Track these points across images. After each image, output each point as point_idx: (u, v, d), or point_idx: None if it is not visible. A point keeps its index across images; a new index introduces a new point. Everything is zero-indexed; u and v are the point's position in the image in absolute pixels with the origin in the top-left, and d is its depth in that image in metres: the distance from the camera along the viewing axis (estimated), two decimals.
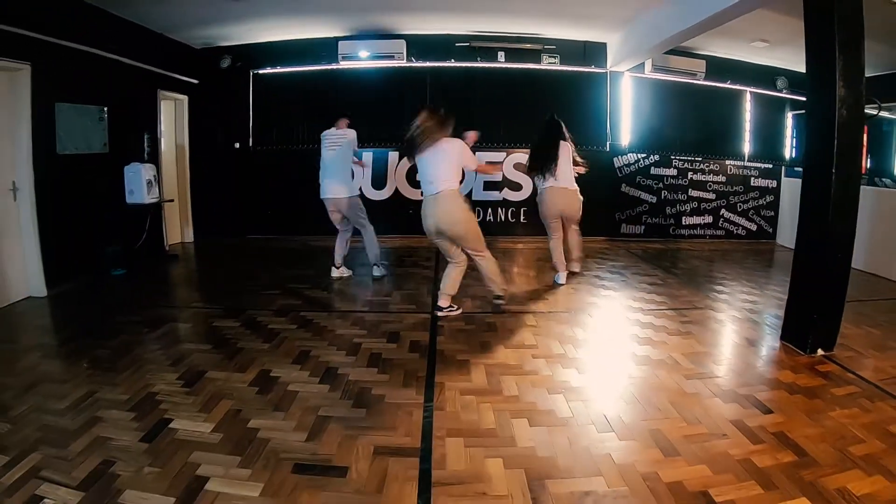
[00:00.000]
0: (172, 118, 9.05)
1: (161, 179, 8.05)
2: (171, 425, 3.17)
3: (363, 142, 7.16)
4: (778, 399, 3.57)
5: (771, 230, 10.34)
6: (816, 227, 4.31)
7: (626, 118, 9.75)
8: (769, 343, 4.70)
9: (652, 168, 9.88)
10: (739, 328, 5.13)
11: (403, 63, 9.01)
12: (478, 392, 3.63)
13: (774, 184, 10.25)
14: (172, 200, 8.55)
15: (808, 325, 4.39)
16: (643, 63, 9.21)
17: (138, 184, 7.24)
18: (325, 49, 9.06)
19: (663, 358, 4.26)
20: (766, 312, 5.55)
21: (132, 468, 2.73)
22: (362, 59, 8.97)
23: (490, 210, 9.67)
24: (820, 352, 4.36)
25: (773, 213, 10.31)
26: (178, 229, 9.29)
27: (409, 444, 3.00)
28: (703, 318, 5.34)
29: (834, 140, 4.05)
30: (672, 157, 9.92)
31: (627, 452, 2.90)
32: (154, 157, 8.00)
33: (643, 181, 9.88)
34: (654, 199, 9.98)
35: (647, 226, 10.04)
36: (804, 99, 5.15)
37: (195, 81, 9.15)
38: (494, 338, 4.72)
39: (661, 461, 2.81)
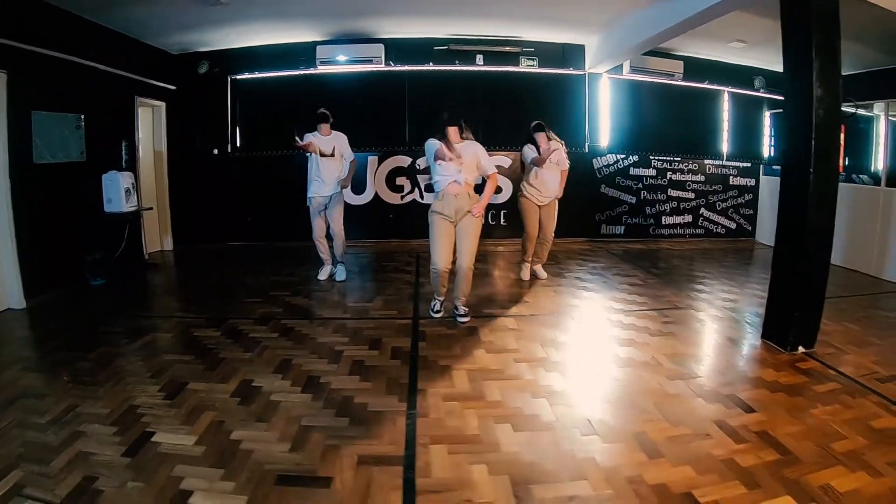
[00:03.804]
0: (150, 125, 8.89)
1: (139, 187, 7.94)
2: (154, 438, 3.12)
3: None
4: (760, 398, 3.61)
5: (750, 228, 10.44)
6: (795, 227, 4.35)
7: (605, 119, 9.75)
8: (750, 341, 4.75)
9: (631, 168, 9.93)
10: (721, 327, 5.17)
11: (382, 67, 8.95)
12: (461, 398, 3.62)
13: (753, 182, 10.36)
14: (151, 208, 8.42)
15: (789, 322, 4.43)
16: (621, 64, 9.23)
17: (116, 192, 7.12)
18: (304, 54, 8.97)
19: (646, 359, 4.28)
20: (746, 311, 5.61)
21: (115, 483, 2.68)
22: (341, 63, 8.91)
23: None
24: (801, 349, 4.41)
25: (752, 212, 10.42)
26: (157, 237, 9.15)
27: (393, 452, 2.97)
28: (684, 318, 5.37)
29: (811, 141, 4.11)
30: (651, 158, 9.97)
31: (612, 455, 2.91)
32: (132, 165, 7.89)
33: (622, 182, 9.92)
34: (634, 200, 10.03)
35: (627, 226, 10.08)
36: (782, 98, 5.17)
37: (173, 88, 9.02)
38: (476, 342, 4.71)
39: (646, 463, 2.82)
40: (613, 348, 4.55)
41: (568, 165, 6.65)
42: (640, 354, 4.39)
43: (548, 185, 6.52)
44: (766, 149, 10.34)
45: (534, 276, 6.97)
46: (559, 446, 3.00)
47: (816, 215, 4.22)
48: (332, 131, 6.56)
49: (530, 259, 6.90)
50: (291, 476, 2.76)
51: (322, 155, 6.35)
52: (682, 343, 4.66)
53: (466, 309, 5.31)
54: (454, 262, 5.20)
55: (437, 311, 5.44)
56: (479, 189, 5.17)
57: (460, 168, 5.03)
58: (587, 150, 9.71)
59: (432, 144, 5.02)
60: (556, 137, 6.52)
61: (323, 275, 6.95)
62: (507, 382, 3.85)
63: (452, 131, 5.02)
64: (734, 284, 6.72)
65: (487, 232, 9.58)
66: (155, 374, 4.06)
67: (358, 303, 6.05)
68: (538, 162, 6.14)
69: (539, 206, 6.62)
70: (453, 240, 5.18)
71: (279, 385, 3.86)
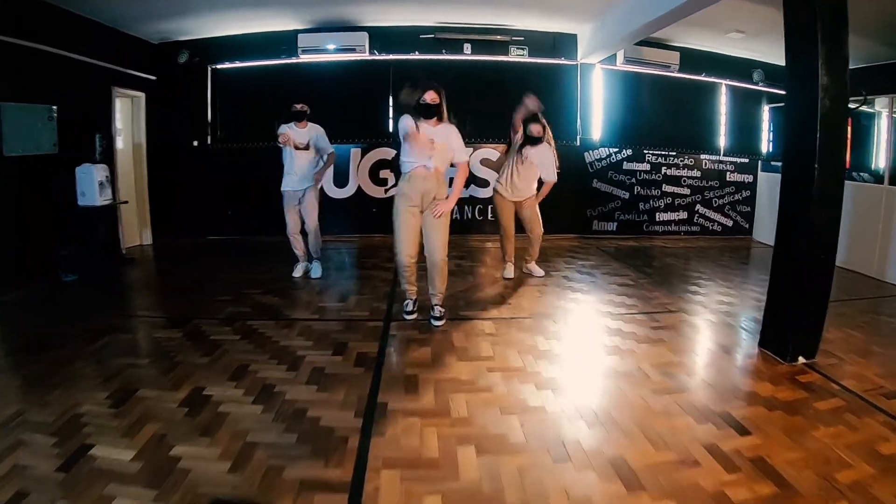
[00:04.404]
0: (130, 116, 8.66)
1: (116, 180, 7.72)
2: (92, 452, 2.85)
3: None
4: (756, 417, 3.27)
5: (747, 226, 10.18)
6: (797, 227, 4.02)
7: (598, 111, 9.48)
8: (746, 350, 4.41)
9: (624, 163, 9.65)
10: (715, 334, 4.85)
11: (366, 56, 8.67)
12: (423, 413, 3.29)
13: (751, 178, 10.10)
14: (127, 202, 8.13)
15: (789, 330, 4.12)
16: (615, 55, 8.95)
17: (90, 185, 6.88)
18: (285, 42, 8.72)
19: (631, 370, 3.95)
20: (743, 315, 5.28)
21: (45, 501, 2.43)
22: (323, 52, 8.64)
23: (456, 208, 9.25)
24: (801, 360, 4.08)
25: (749, 209, 10.15)
26: (136, 231, 8.88)
27: (339, 477, 2.65)
28: (676, 323, 5.05)
29: (816, 133, 3.76)
30: (645, 152, 9.70)
31: (585, 485, 2.57)
32: (108, 158, 7.62)
33: (615, 176, 9.64)
34: (627, 195, 9.75)
35: (619, 223, 9.80)
36: (781, 92, 4.90)
37: (153, 78, 8.74)
38: (448, 349, 4.37)
39: (623, 497, 2.49)
40: (597, 357, 4.23)
41: (554, 180, 6.25)
42: (625, 364, 4.05)
43: (516, 184, 6.25)
44: (765, 144, 10.08)
45: (528, 274, 6.70)
46: (526, 474, 2.67)
47: (820, 214, 3.88)
48: (309, 124, 6.30)
49: (511, 258, 6.61)
50: (224, 502, 2.46)
51: (296, 147, 6.06)
52: (671, 351, 4.33)
53: (442, 310, 4.98)
54: (423, 254, 4.88)
55: (411, 313, 5.10)
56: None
57: (431, 154, 4.67)
58: (579, 144, 9.44)
59: (405, 121, 4.63)
60: (549, 139, 6.21)
61: (297, 272, 6.67)
62: (476, 396, 3.52)
63: (430, 96, 4.63)
64: (730, 286, 6.40)
65: (472, 227, 9.36)
66: (107, 379, 3.78)
67: (329, 302, 5.72)
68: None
69: (512, 202, 6.35)
70: (419, 228, 4.83)
71: (231, 394, 3.55)
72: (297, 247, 6.59)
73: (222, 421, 3.20)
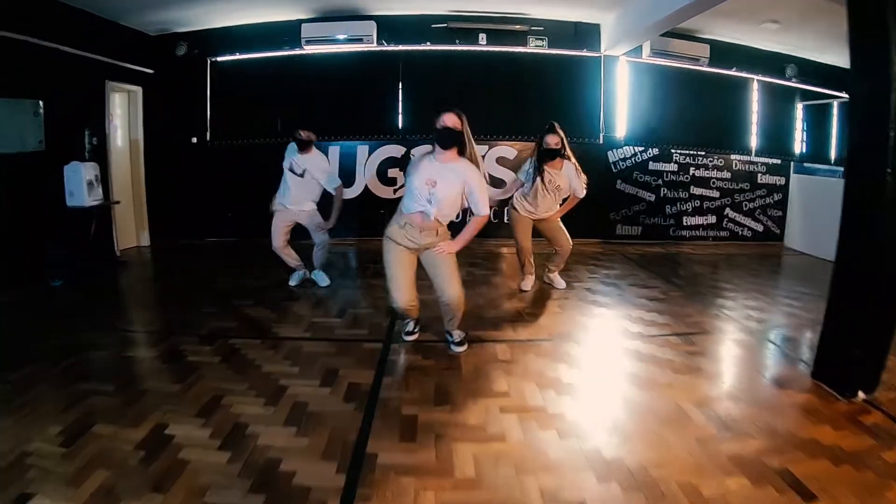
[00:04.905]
0: (126, 112, 8.31)
1: (109, 179, 7.40)
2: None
3: (329, 134, 6.41)
4: (820, 474, 2.67)
5: (778, 231, 9.55)
6: (864, 241, 3.42)
7: (623, 107, 8.89)
8: (799, 383, 3.78)
9: (650, 163, 9.07)
10: (760, 361, 4.26)
11: (373, 47, 8.17)
12: (420, 470, 2.71)
13: (783, 181, 9.48)
14: (119, 202, 7.72)
15: (850, 361, 3.50)
16: (641, 46, 8.41)
17: (78, 185, 6.53)
18: (288, 33, 8.25)
19: (671, 410, 3.35)
20: (788, 337, 4.70)
21: None
22: (328, 43, 8.14)
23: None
24: (861, 395, 3.47)
25: (780, 213, 9.53)
26: (132, 233, 8.51)
27: None
28: (714, 347, 4.49)
29: (889, 132, 3.15)
30: (672, 151, 9.11)
31: None
32: (100, 155, 7.27)
33: (640, 177, 9.06)
34: (653, 198, 9.16)
35: (644, 226, 9.22)
36: (816, 89, 4.39)
37: (150, 71, 8.35)
38: (455, 380, 3.79)
39: None
40: (630, 391, 3.64)
41: (583, 194, 5.68)
42: (663, 402, 3.46)
43: (539, 204, 5.69)
44: (798, 144, 9.47)
45: (549, 285, 6.15)
46: None
47: (893, 225, 3.28)
48: (316, 152, 5.73)
49: (532, 271, 6.07)
50: None
51: (293, 172, 5.60)
52: (712, 384, 3.74)
53: (462, 334, 4.31)
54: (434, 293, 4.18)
55: (411, 333, 4.49)
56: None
57: (430, 198, 3.82)
58: (602, 142, 8.85)
59: (414, 159, 3.96)
60: (570, 156, 5.60)
61: (294, 280, 6.13)
62: (486, 447, 2.92)
63: (449, 119, 3.77)
64: (768, 301, 5.79)
65: (486, 230, 8.73)
66: (67, 407, 3.32)
67: (325, 317, 5.14)
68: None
69: (531, 220, 5.83)
70: (415, 267, 4.09)
71: (196, 436, 3.03)
72: (290, 258, 6.02)
73: (181, 470, 2.70)
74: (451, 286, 3.98)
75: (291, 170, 5.58)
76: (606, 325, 4.99)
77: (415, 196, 3.85)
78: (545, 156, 5.48)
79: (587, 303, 5.61)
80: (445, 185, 3.79)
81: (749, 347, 4.49)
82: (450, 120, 3.77)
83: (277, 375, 3.80)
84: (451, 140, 3.78)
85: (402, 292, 4.00)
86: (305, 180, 5.62)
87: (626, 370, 3.98)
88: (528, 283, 6.07)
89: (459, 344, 4.25)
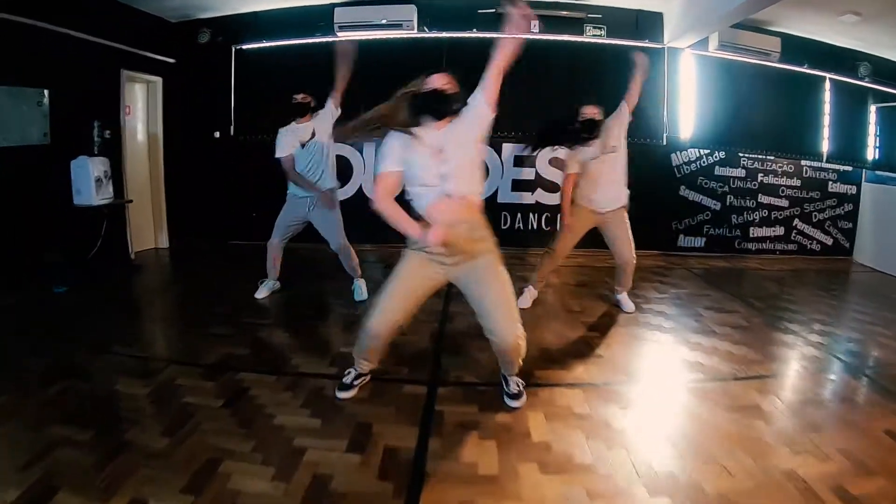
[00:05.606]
0: (144, 103, 7.88)
1: (123, 176, 7.01)
2: None
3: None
4: None
5: (848, 245, 8.67)
6: None
7: (688, 105, 8.11)
8: None
9: (716, 167, 8.26)
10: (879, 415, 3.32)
11: (414, 34, 7.61)
12: None
13: (854, 190, 8.60)
14: (132, 201, 7.21)
15: None
16: (707, 38, 7.66)
17: (86, 181, 6.16)
18: (320, 18, 7.71)
19: (803, 496, 2.47)
20: None
21: None
22: (364, 29, 7.60)
23: (520, 215, 8.20)
24: None
25: (850, 225, 8.65)
26: (150, 234, 8.08)
27: None
28: (825, 396, 3.61)
29: None
30: (740, 155, 8.29)
31: None
32: (112, 150, 6.84)
33: (706, 183, 8.25)
34: (718, 206, 8.35)
35: (708, 238, 8.42)
36: (891, 91, 3.77)
37: (171, 61, 7.91)
38: (521, 444, 2.89)
39: None
40: (757, 469, 2.74)
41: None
42: (792, 484, 2.57)
43: (604, 188, 4.93)
44: (871, 150, 8.61)
45: (616, 307, 5.39)
46: None
47: None
48: (314, 115, 5.25)
49: (540, 286, 5.44)
50: None
51: (302, 145, 5.12)
52: (847, 458, 2.81)
53: (519, 386, 3.37)
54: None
55: (348, 388, 3.44)
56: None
57: (445, 169, 2.88)
58: (665, 143, 8.09)
59: (388, 143, 3.04)
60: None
61: (262, 293, 5.56)
62: None
63: (441, 80, 2.92)
64: (863, 333, 4.95)
65: (529, 239, 8.15)
66: (31, 460, 2.66)
67: (354, 345, 4.00)
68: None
69: (594, 216, 5.05)
70: (427, 295, 3.20)
71: None
72: (274, 263, 5.58)
73: None
74: (509, 325, 2.99)
75: (302, 146, 5.10)
76: (696, 362, 4.10)
77: (423, 178, 2.91)
78: (587, 128, 4.75)
79: (664, 331, 4.77)
80: (454, 143, 2.89)
81: (871, 400, 3.60)
82: (441, 80, 2.93)
83: (293, 432, 3.00)
84: (448, 104, 2.93)
85: (387, 311, 3.11)
86: (318, 148, 5.17)
87: (741, 432, 3.07)
88: (527, 299, 5.36)
89: (516, 397, 3.33)
